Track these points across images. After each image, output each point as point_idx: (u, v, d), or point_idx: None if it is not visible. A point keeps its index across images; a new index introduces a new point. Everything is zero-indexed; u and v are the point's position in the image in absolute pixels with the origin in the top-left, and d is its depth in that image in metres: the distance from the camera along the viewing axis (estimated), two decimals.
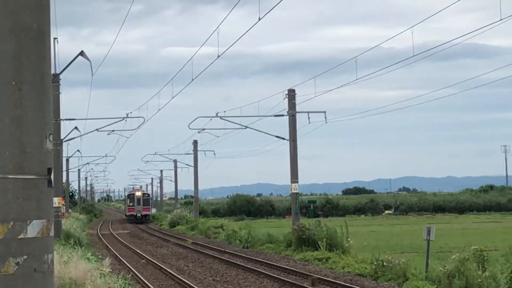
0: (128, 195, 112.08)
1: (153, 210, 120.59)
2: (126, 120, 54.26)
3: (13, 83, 5.97)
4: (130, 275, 28.75)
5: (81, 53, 34.84)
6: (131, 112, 53.62)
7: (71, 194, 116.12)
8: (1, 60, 5.95)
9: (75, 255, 24.66)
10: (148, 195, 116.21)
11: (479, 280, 24.29)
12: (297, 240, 44.16)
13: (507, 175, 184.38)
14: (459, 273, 25.43)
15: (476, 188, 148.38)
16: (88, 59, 34.74)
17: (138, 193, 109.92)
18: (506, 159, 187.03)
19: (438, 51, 37.90)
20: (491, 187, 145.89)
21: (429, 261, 28.79)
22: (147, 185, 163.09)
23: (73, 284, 20.05)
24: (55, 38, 38.21)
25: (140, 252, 47.82)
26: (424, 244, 31.14)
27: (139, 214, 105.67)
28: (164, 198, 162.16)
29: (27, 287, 5.95)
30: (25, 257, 5.95)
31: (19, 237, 5.94)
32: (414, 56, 36.08)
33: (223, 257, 42.85)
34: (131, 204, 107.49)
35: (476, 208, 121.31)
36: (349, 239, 40.30)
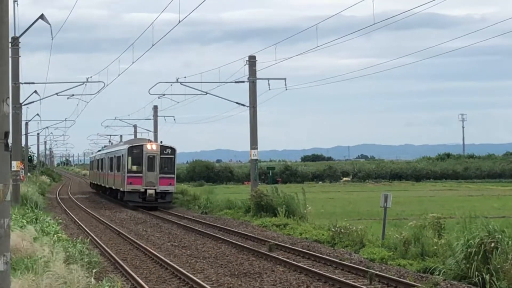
0: (130, 150, 57.41)
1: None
2: (86, 85, 53.65)
3: None
4: (88, 240, 28.73)
5: (41, 17, 34.53)
6: (91, 77, 53.09)
7: (30, 158, 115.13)
8: None
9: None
10: (174, 150, 58.00)
11: (435, 247, 24.66)
12: (255, 206, 44.40)
13: (464, 144, 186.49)
14: (415, 240, 25.81)
15: (433, 156, 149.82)
16: (48, 22, 34.44)
17: (151, 146, 57.51)
18: (463, 127, 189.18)
19: (398, 20, 38.05)
20: (448, 155, 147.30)
21: (385, 228, 29.15)
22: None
23: (29, 248, 20.06)
24: (14, 1, 37.75)
25: (98, 216, 47.77)
26: (381, 211, 31.52)
27: (151, 191, 55.46)
28: None
29: None
30: None
31: None
32: (374, 24, 36.19)
33: (181, 223, 42.99)
34: (135, 167, 56.69)
35: (432, 176, 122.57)
36: (307, 205, 40.61)
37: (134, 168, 56.47)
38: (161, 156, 56.50)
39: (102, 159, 75.76)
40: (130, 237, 35.04)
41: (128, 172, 56.35)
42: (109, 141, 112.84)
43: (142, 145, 57.48)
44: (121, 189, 58.87)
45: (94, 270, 20.29)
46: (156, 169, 56.01)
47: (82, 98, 62.00)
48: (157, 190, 55.65)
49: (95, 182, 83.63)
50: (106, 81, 53.32)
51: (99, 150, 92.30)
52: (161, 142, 59.18)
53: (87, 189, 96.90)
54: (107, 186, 69.12)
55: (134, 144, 59.22)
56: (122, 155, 58.90)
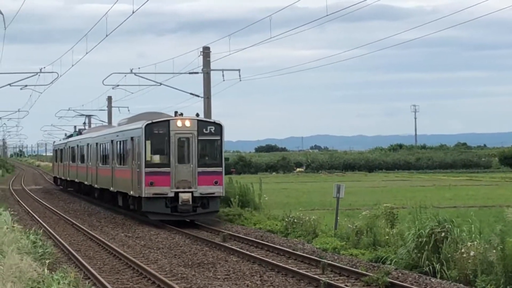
0: (148, 129, 36.42)
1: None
2: (39, 75, 53.03)
3: None
4: (41, 231, 28.63)
5: None
6: (44, 67, 52.51)
7: None
8: None
9: None
10: (220, 127, 36.98)
11: (387, 237, 25.00)
12: None
13: (416, 134, 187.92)
14: (367, 230, 26.11)
15: (385, 147, 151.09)
16: (1, 12, 34.09)
17: (183, 122, 36.42)
18: (415, 118, 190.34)
19: (350, 11, 38.30)
20: (400, 146, 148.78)
21: (338, 218, 29.43)
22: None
23: None
24: None
25: (52, 207, 47.51)
26: (334, 202, 31.81)
27: (186, 195, 35.45)
28: None
29: None
30: None
31: None
32: (327, 16, 36.41)
33: (135, 214, 42.85)
34: (157, 158, 36.71)
35: (385, 167, 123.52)
36: (264, 195, 40.69)
37: (156, 159, 36.68)
38: (200, 137, 36.52)
39: (83, 147, 56.91)
40: (84, 228, 34.96)
41: (146, 167, 36.17)
42: (65, 134, 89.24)
43: (168, 121, 36.80)
44: (131, 192, 38.48)
45: (47, 261, 20.27)
46: (192, 159, 36.38)
47: (36, 88, 61.40)
48: (195, 194, 35.98)
49: (67, 178, 65.89)
50: (60, 72, 52.73)
51: (71, 135, 73.85)
52: (198, 114, 37.91)
53: (41, 180, 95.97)
54: (96, 186, 49.96)
55: (154, 120, 37.27)
56: (133, 138, 38.38)
